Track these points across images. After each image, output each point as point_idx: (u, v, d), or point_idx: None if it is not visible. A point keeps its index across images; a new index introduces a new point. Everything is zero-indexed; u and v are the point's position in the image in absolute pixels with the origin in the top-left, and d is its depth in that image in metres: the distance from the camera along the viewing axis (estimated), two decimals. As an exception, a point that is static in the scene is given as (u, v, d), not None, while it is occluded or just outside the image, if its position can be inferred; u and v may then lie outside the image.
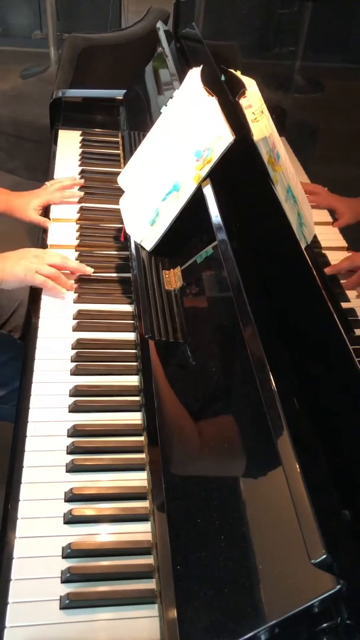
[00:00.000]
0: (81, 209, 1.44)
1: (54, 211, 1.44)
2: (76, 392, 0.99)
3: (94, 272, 1.25)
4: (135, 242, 1.18)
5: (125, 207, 1.22)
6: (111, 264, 1.28)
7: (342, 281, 1.35)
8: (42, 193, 1.46)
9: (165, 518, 0.77)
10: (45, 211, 1.44)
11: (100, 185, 1.54)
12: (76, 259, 1.28)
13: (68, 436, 0.92)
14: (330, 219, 1.56)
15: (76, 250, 1.31)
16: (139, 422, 0.96)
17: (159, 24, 1.78)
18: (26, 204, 1.43)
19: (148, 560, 0.78)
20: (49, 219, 1.41)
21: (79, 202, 1.47)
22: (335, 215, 1.57)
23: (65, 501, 0.84)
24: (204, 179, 1.06)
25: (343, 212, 1.55)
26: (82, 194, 1.48)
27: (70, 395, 0.99)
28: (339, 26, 4.33)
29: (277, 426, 0.71)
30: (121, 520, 0.83)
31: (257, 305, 0.87)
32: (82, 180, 1.52)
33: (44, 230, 1.39)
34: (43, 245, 1.33)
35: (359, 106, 3.49)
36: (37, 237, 1.41)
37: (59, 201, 1.45)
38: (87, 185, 1.53)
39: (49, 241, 1.34)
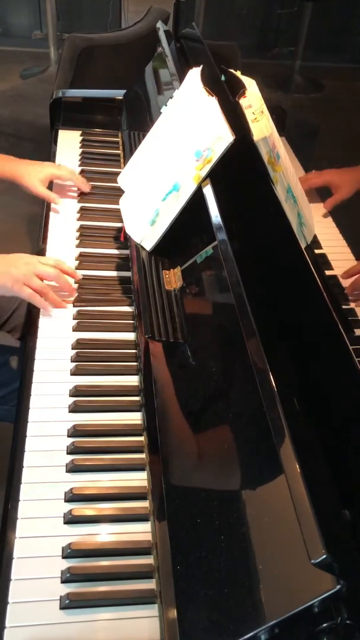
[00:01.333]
0: (81, 209, 1.44)
1: (55, 209, 1.44)
2: (76, 392, 0.99)
3: (94, 272, 1.25)
4: (135, 242, 1.18)
5: (125, 207, 1.22)
6: (111, 264, 1.28)
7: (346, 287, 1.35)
8: (52, 166, 1.45)
9: (165, 518, 0.77)
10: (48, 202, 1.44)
11: (100, 185, 1.54)
12: (76, 259, 1.28)
13: (68, 436, 0.92)
14: (332, 224, 1.55)
15: (77, 247, 1.32)
16: (139, 422, 0.96)
17: (159, 24, 1.78)
18: (34, 173, 1.40)
19: (148, 560, 0.78)
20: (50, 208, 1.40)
21: (79, 202, 1.47)
22: (331, 190, 1.55)
23: (65, 501, 0.84)
24: (204, 179, 1.06)
25: (338, 185, 1.53)
26: (88, 189, 1.49)
27: (70, 395, 0.99)
28: (339, 26, 4.33)
29: (277, 426, 0.71)
30: (121, 520, 0.83)
31: (257, 305, 0.87)
32: (90, 186, 1.50)
33: (46, 224, 1.38)
34: (43, 245, 1.33)
35: (359, 106, 3.49)
36: (37, 236, 1.41)
37: (68, 179, 1.45)
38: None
39: (49, 244, 1.33)
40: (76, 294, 1.18)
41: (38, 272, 1.13)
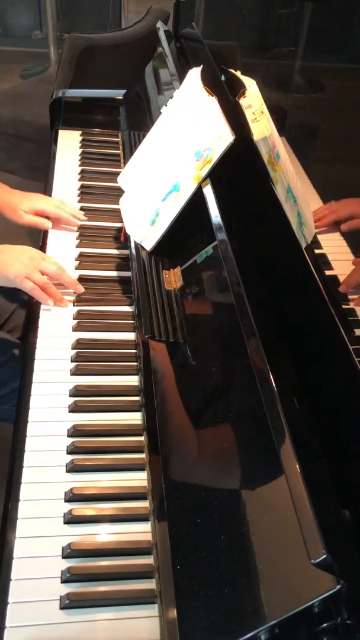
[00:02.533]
0: (81, 209, 1.44)
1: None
2: (76, 392, 0.99)
3: (94, 272, 1.25)
4: (135, 242, 1.18)
5: (125, 207, 1.22)
6: (111, 264, 1.28)
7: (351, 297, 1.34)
8: (40, 199, 1.37)
9: (165, 518, 0.77)
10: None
11: (100, 185, 1.54)
12: (76, 259, 1.28)
13: (68, 436, 0.92)
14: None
15: (77, 247, 1.32)
16: (139, 422, 0.96)
17: (159, 24, 1.78)
18: (16, 204, 1.34)
19: (148, 560, 0.78)
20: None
21: (79, 202, 1.47)
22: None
23: (65, 501, 0.84)
24: (204, 179, 1.06)
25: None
26: (78, 224, 1.38)
27: (70, 395, 0.99)
28: (339, 26, 4.33)
29: (277, 426, 0.71)
30: (121, 520, 0.83)
31: (257, 305, 0.87)
32: (85, 218, 1.40)
33: (44, 232, 1.37)
34: (43, 246, 1.33)
35: (359, 106, 3.49)
36: (37, 236, 1.40)
37: (53, 215, 1.35)
38: (87, 185, 1.53)
39: (49, 244, 1.33)
40: (76, 294, 1.18)
41: (41, 267, 1.14)
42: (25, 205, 1.35)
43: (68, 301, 1.17)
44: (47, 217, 1.37)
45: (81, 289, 1.19)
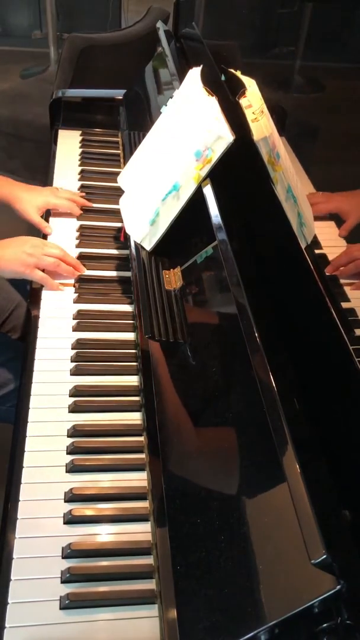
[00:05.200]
0: (81, 208, 1.44)
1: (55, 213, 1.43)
2: (76, 392, 0.99)
3: (94, 272, 1.25)
4: (135, 242, 1.18)
5: (125, 207, 1.22)
6: (111, 264, 1.28)
7: (342, 280, 1.35)
8: (50, 194, 1.42)
9: (165, 518, 0.77)
10: (46, 213, 1.43)
11: (100, 185, 1.54)
12: (76, 259, 1.28)
13: (68, 436, 0.92)
14: (332, 224, 1.54)
15: (77, 247, 1.32)
16: (139, 422, 0.96)
17: (159, 24, 1.78)
18: (31, 200, 1.38)
19: (148, 560, 0.78)
20: (48, 222, 1.38)
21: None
22: (341, 216, 1.54)
23: (65, 501, 0.84)
24: (204, 179, 1.06)
25: (347, 211, 1.52)
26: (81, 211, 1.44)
27: (70, 396, 0.99)
28: (339, 26, 4.33)
29: (277, 426, 0.71)
30: (121, 520, 0.83)
31: (257, 305, 0.87)
32: (89, 204, 1.47)
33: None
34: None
35: (359, 106, 3.49)
36: (37, 234, 1.40)
37: (65, 210, 1.41)
38: (87, 185, 1.53)
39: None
40: (78, 274, 1.22)
41: (45, 253, 1.18)
42: (38, 202, 1.38)
43: (71, 284, 1.21)
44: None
45: (83, 269, 1.23)
